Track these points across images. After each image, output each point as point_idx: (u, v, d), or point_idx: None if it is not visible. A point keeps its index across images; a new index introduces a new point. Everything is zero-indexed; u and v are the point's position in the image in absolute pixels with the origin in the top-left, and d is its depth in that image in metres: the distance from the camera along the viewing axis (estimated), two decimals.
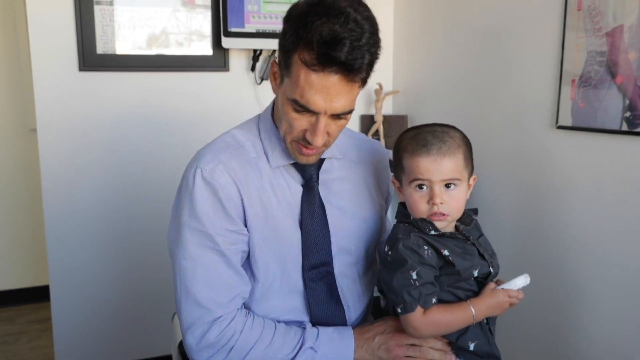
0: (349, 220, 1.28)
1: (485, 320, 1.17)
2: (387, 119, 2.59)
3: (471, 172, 1.19)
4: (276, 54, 1.17)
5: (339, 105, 1.07)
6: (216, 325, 1.13)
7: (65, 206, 2.32)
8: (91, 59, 2.26)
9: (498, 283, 1.17)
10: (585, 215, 1.74)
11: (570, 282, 1.77)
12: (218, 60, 2.43)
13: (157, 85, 2.38)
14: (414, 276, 1.10)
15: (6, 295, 3.41)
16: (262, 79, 2.48)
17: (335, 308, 1.24)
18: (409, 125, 2.59)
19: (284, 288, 1.22)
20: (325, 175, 1.26)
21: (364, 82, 1.10)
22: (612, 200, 1.65)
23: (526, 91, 1.94)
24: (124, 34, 2.28)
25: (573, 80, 1.75)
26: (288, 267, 1.21)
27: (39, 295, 3.35)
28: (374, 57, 1.07)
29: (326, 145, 1.16)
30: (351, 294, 1.28)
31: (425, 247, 1.12)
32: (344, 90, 1.07)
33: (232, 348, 1.13)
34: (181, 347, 1.78)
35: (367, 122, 2.65)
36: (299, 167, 1.22)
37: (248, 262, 1.21)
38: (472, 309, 1.12)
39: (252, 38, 2.34)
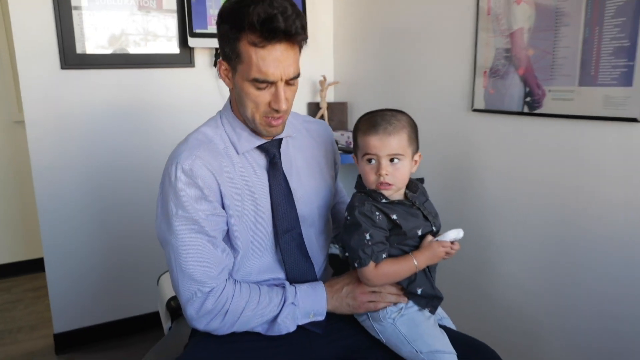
0: (306, 190, 1.28)
1: (427, 269, 1.19)
2: (330, 105, 2.60)
3: (416, 150, 1.20)
4: (219, 57, 1.17)
5: (290, 71, 1.10)
6: (211, 295, 1.12)
7: (54, 189, 2.24)
8: (71, 58, 2.15)
9: (434, 235, 1.19)
10: (496, 182, 1.82)
11: (486, 238, 1.86)
12: (184, 58, 2.36)
13: (131, 81, 2.30)
14: (368, 237, 1.12)
15: (2, 268, 3.27)
16: None
17: (305, 264, 1.25)
18: (349, 110, 2.63)
19: (257, 252, 1.22)
20: (284, 154, 1.26)
21: (301, 44, 1.12)
22: (517, 169, 1.74)
23: (447, 81, 1.98)
24: (101, 35, 2.19)
25: (484, 72, 1.80)
26: (260, 235, 1.21)
27: (33, 267, 3.24)
28: (302, 21, 1.09)
29: (287, 111, 1.16)
30: (313, 250, 1.28)
31: (377, 213, 1.13)
32: (290, 55, 1.09)
33: (227, 312, 1.13)
34: (169, 305, 1.76)
35: (314, 108, 2.65)
36: (262, 149, 1.21)
37: (228, 237, 1.20)
38: (415, 260, 1.14)
39: (214, 38, 2.26)
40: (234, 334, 1.17)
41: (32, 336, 2.52)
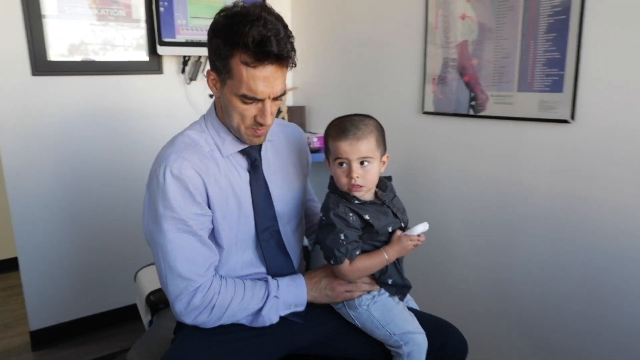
0: (283, 190, 1.30)
1: (397, 261, 1.21)
2: (290, 109, 2.63)
3: (384, 151, 1.21)
4: (208, 66, 1.15)
5: (278, 89, 1.10)
6: (199, 291, 1.12)
7: (26, 191, 2.17)
8: (42, 64, 2.09)
9: (404, 230, 1.22)
10: (446, 176, 1.92)
11: (441, 227, 1.95)
12: (153, 65, 2.34)
13: (102, 87, 2.25)
14: (342, 237, 1.13)
15: None
16: (190, 80, 2.42)
17: (284, 259, 1.27)
18: (307, 114, 2.67)
19: (240, 249, 1.23)
20: (264, 157, 1.27)
21: (292, 65, 1.12)
22: (464, 164, 1.84)
23: (399, 86, 2.06)
24: (72, 42, 2.13)
25: (434, 79, 1.89)
26: (243, 233, 1.22)
27: (4, 267, 3.10)
28: (292, 44, 1.10)
29: (271, 124, 1.17)
30: (290, 245, 1.30)
31: (351, 214, 1.14)
32: (278, 75, 1.09)
33: (214, 306, 1.13)
34: (148, 299, 1.75)
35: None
36: (244, 153, 1.22)
37: (213, 235, 1.20)
38: (386, 254, 1.17)
39: (182, 47, 2.27)
40: (220, 326, 1.18)
41: (7, 334, 2.44)
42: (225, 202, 1.19)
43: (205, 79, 2.48)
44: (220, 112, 1.21)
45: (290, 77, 2.74)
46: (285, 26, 1.09)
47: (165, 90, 2.40)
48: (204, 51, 2.34)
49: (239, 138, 1.20)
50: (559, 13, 1.48)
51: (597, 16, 1.41)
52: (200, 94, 2.48)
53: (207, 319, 1.15)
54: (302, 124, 2.65)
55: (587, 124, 1.46)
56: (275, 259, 1.27)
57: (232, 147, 1.21)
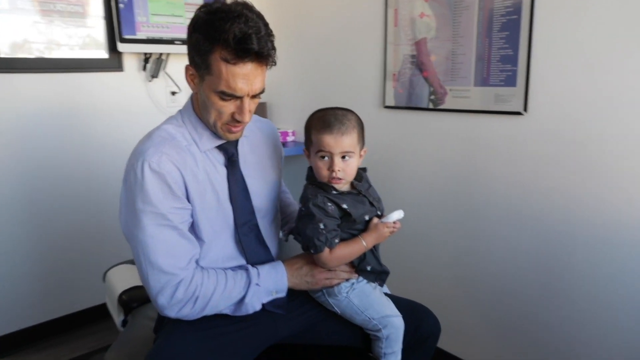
0: (259, 185, 1.27)
1: (374, 248, 1.21)
2: None
3: (362, 146, 1.21)
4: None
5: (257, 87, 1.07)
6: (181, 285, 1.08)
7: None
8: None
9: (381, 218, 1.22)
10: (407, 167, 1.95)
11: (406, 215, 1.97)
12: (114, 63, 2.21)
13: (61, 85, 2.11)
14: (322, 226, 1.12)
15: None
16: (152, 77, 2.31)
17: (264, 252, 1.25)
18: (268, 110, 2.62)
19: (220, 242, 1.19)
20: (240, 152, 1.23)
21: (272, 64, 1.09)
22: (425, 155, 1.87)
23: (361, 82, 2.06)
24: (30, 39, 1.98)
25: (394, 75, 1.91)
26: (222, 227, 1.19)
27: None
28: (273, 42, 1.07)
29: (248, 121, 1.13)
30: (267, 238, 1.28)
31: (329, 204, 1.13)
32: (258, 73, 1.06)
33: (197, 298, 1.10)
34: (121, 299, 1.67)
35: None
36: (222, 148, 1.19)
37: (193, 229, 1.16)
38: (364, 242, 1.16)
39: (143, 44, 2.17)
40: (204, 321, 1.15)
41: None
42: (203, 195, 1.15)
43: (167, 77, 2.42)
44: (198, 107, 1.16)
45: None
46: (266, 24, 1.06)
47: (127, 88, 2.29)
48: (165, 48, 2.24)
49: (216, 133, 1.16)
50: (511, 13, 1.52)
51: (546, 16, 1.46)
52: (162, 92, 2.38)
53: (190, 311, 1.11)
54: None
55: (538, 116, 1.52)
56: (255, 252, 1.24)
57: (210, 142, 1.17)
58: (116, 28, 2.10)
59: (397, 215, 1.20)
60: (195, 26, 1.05)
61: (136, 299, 1.59)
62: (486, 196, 1.70)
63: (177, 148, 1.12)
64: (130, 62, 2.27)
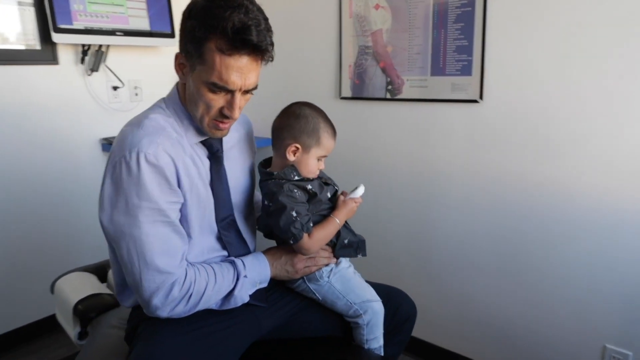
0: (239, 179, 1.25)
1: (345, 222, 1.25)
2: None
3: None
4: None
5: (251, 82, 1.03)
6: (177, 283, 1.04)
7: None
8: None
9: (344, 194, 1.25)
10: (365, 157, 1.97)
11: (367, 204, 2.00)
12: (47, 55, 2.03)
13: None
14: (294, 214, 1.13)
15: None
16: (92, 71, 2.15)
17: (243, 246, 1.23)
18: None
19: (204, 235, 1.16)
20: (224, 147, 1.20)
21: (269, 59, 1.05)
22: (383, 144, 1.90)
23: (317, 73, 2.06)
24: None
25: (350, 66, 1.92)
26: (206, 221, 1.16)
27: None
28: (272, 37, 1.03)
29: (238, 117, 1.09)
30: (245, 233, 1.26)
31: (295, 190, 1.15)
32: (253, 67, 1.02)
33: (191, 295, 1.06)
34: (76, 309, 1.55)
35: None
36: (206, 143, 1.15)
37: (181, 224, 1.10)
38: (336, 219, 1.19)
39: (82, 34, 2.01)
40: (186, 323, 1.10)
41: None
42: (192, 189, 1.11)
43: (107, 71, 2.26)
44: (185, 98, 1.10)
45: None
46: (266, 19, 1.01)
47: (63, 82, 2.11)
48: (105, 40, 2.10)
49: (201, 129, 1.11)
50: (465, 5, 1.58)
51: (498, 8, 1.53)
52: (102, 87, 2.23)
53: (183, 309, 1.07)
54: None
55: (493, 103, 1.60)
56: (235, 247, 1.22)
57: (196, 136, 1.12)
58: (49, 16, 1.93)
59: (361, 190, 1.26)
60: (191, 12, 0.99)
61: (94, 308, 1.49)
62: (444, 181, 1.76)
63: (170, 139, 1.06)
64: (67, 55, 2.10)
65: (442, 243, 1.82)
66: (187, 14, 1.01)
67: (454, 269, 1.81)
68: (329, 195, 1.22)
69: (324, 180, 1.23)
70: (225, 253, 1.21)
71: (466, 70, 1.62)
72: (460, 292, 1.81)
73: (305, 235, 1.15)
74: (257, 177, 1.53)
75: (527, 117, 1.54)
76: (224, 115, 1.05)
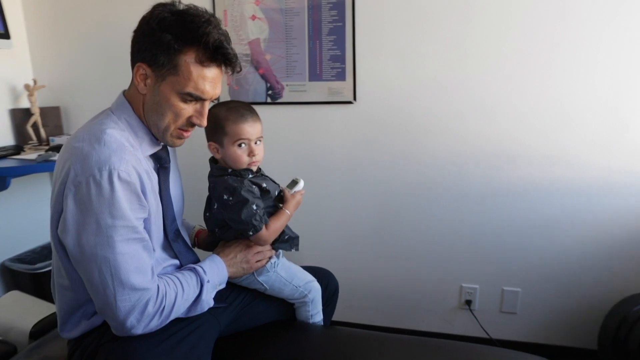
0: (178, 190, 1.27)
1: None
2: (42, 110, 2.21)
3: None
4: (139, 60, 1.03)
5: (218, 91, 1.09)
6: (151, 300, 1.02)
7: None
8: None
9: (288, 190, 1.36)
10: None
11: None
12: None
13: None
14: (255, 207, 1.20)
15: None
16: None
17: (191, 254, 1.25)
18: (63, 115, 2.32)
19: (157, 246, 1.15)
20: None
21: (238, 69, 1.11)
22: (266, 147, 2.03)
23: None
24: None
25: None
26: (158, 231, 1.15)
27: None
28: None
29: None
30: (187, 240, 1.29)
31: (254, 187, 1.23)
32: (220, 78, 1.08)
33: (164, 308, 1.04)
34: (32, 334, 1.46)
35: (21, 115, 2.17)
36: (154, 156, 1.14)
37: None
38: (287, 211, 1.29)
39: None
40: (156, 337, 1.08)
41: None
42: (148, 202, 1.09)
43: None
44: (141, 109, 1.08)
45: (30, 74, 2.27)
46: (227, 34, 1.07)
47: None
48: None
49: (159, 139, 1.10)
50: (336, 20, 1.84)
51: (365, 22, 1.83)
52: None
53: (157, 322, 1.06)
54: (59, 127, 2.28)
55: (365, 103, 1.90)
56: (184, 255, 1.24)
57: (150, 148, 1.11)
58: None
59: (302, 184, 1.38)
60: (162, 26, 1.00)
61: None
62: (326, 173, 2.00)
63: (132, 154, 1.03)
64: None
65: (328, 227, 2.07)
66: (157, 26, 1.01)
67: (342, 247, 2.07)
68: (277, 192, 1.32)
69: (271, 178, 1.32)
70: (175, 262, 1.22)
71: (341, 76, 1.88)
72: (344, 267, 2.09)
73: (264, 227, 1.23)
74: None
75: (394, 113, 1.88)
76: (190, 124, 1.09)
